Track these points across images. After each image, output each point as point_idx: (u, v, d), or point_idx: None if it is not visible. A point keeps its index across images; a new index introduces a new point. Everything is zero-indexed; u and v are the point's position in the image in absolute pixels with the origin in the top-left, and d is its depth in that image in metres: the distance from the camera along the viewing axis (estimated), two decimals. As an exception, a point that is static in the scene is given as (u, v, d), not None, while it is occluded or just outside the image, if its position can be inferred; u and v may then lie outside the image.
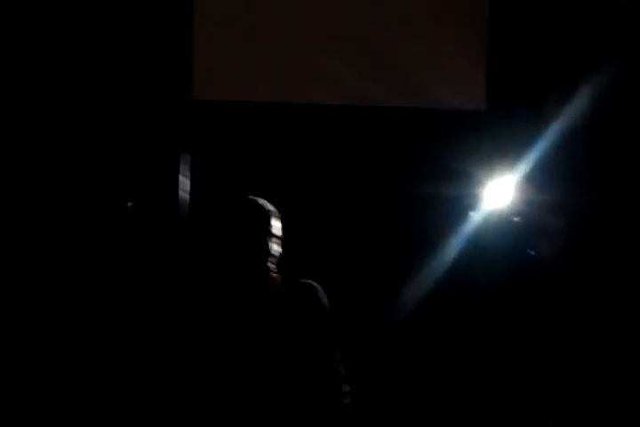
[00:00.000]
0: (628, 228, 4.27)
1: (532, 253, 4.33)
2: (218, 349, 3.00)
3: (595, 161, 4.32)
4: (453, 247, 4.29)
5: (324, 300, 3.11)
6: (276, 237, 3.09)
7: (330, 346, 3.06)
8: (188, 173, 4.31)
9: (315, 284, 3.12)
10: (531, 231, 4.35)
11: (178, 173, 4.25)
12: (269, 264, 3.06)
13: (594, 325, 4.20)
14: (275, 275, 3.11)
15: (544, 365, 4.20)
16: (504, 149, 4.24)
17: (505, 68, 4.31)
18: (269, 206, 3.11)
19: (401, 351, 4.22)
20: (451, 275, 4.26)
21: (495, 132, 4.25)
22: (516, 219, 4.37)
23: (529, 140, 4.21)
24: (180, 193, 4.27)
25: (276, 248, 3.08)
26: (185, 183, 4.31)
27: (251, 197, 3.12)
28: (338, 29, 4.33)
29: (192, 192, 4.34)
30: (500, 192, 4.37)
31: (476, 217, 4.36)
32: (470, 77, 4.31)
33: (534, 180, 4.31)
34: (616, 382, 4.13)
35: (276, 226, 3.10)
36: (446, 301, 4.26)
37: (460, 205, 4.34)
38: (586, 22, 4.31)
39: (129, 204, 4.18)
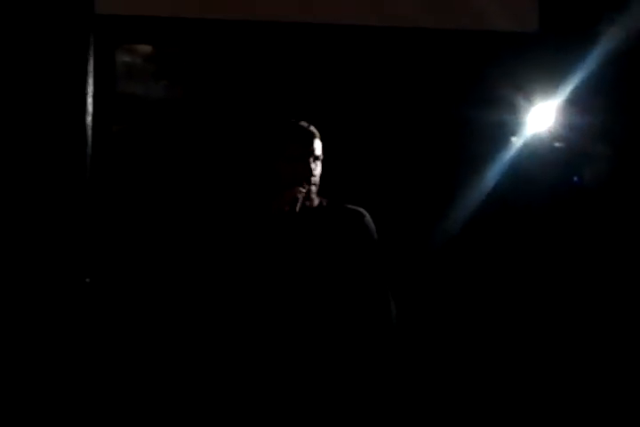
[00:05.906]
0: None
1: (576, 179, 4.25)
2: (251, 275, 2.92)
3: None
4: (495, 173, 4.22)
5: (372, 228, 3.03)
6: (318, 158, 3.00)
7: (379, 280, 2.96)
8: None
9: (362, 210, 3.04)
10: (574, 157, 4.26)
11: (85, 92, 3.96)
12: (312, 187, 2.97)
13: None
14: (318, 198, 3.04)
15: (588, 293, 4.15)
16: (553, 73, 4.13)
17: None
18: (312, 127, 3.02)
19: (442, 277, 4.19)
20: (491, 201, 4.21)
21: (546, 55, 4.13)
22: (558, 144, 4.28)
23: (579, 63, 4.10)
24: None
25: (318, 170, 2.99)
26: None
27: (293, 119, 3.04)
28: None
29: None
30: (542, 116, 4.27)
31: (518, 142, 4.28)
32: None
33: (579, 103, 4.20)
34: None
35: (318, 147, 3.01)
36: (488, 227, 4.21)
37: (502, 130, 4.26)
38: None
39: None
